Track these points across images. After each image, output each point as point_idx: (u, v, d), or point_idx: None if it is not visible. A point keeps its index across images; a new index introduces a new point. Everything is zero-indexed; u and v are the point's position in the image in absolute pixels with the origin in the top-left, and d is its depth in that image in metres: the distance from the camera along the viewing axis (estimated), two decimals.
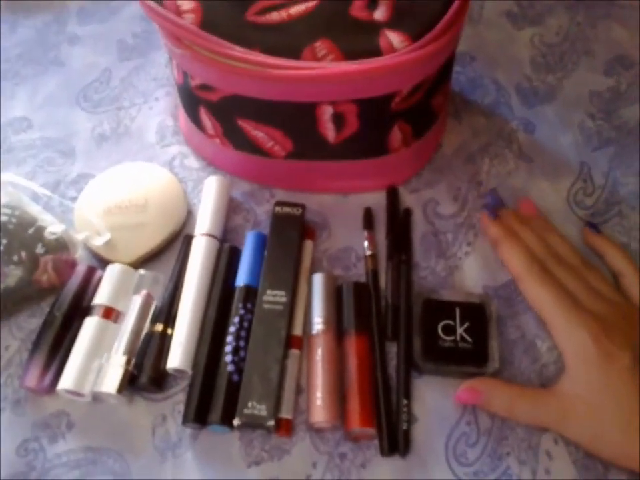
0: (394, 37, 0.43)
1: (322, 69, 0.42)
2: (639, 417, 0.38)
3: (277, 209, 0.50)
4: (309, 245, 0.50)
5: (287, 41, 0.43)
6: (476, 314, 0.45)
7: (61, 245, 0.48)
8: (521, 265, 0.44)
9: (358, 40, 0.43)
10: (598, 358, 0.39)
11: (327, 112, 0.46)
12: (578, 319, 0.41)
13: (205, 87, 0.47)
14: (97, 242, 0.49)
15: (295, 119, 0.47)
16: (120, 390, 0.43)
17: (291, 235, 0.49)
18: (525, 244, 0.46)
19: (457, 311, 0.45)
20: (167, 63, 0.62)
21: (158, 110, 0.59)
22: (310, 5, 0.44)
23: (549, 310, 0.42)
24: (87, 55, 0.63)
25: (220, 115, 0.49)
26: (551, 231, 0.48)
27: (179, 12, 0.44)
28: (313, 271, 0.49)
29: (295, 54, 0.43)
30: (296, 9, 0.44)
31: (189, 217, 0.52)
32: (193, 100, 0.50)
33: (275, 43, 0.43)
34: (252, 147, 0.50)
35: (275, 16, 0.44)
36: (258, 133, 0.49)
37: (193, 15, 0.44)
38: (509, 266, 0.46)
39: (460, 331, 0.44)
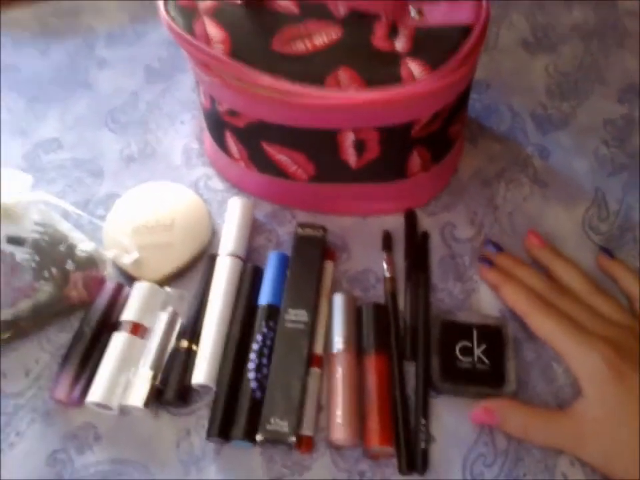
0: (414, 67, 0.44)
1: (345, 98, 0.44)
2: None
3: (299, 230, 0.52)
4: (329, 265, 0.51)
5: (311, 70, 0.45)
6: (493, 336, 0.46)
7: (90, 262, 0.50)
8: (523, 303, 0.45)
9: (380, 69, 0.45)
10: (611, 379, 0.40)
11: (348, 138, 0.47)
12: (588, 342, 0.41)
13: (231, 113, 0.49)
14: (126, 260, 0.50)
15: (318, 144, 0.49)
16: (147, 404, 0.44)
17: (312, 256, 0.51)
18: (523, 283, 0.47)
19: (475, 332, 0.46)
20: (193, 87, 0.64)
21: (183, 133, 0.61)
22: (333, 35, 0.46)
23: (557, 339, 0.43)
24: (115, 78, 0.65)
25: (245, 139, 0.51)
26: (558, 259, 0.49)
27: (208, 41, 0.46)
28: (333, 291, 0.50)
29: (318, 82, 0.44)
30: (320, 40, 0.46)
31: (213, 237, 0.54)
32: (219, 124, 0.52)
33: (299, 72, 0.45)
34: (276, 171, 0.52)
35: (299, 46, 0.46)
36: (282, 157, 0.51)
37: (222, 45, 0.46)
38: (513, 307, 0.46)
39: (477, 352, 0.45)
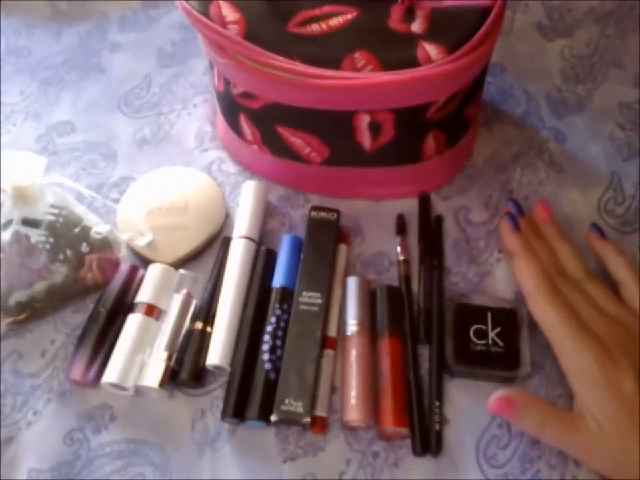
0: (431, 49, 0.44)
1: (361, 79, 0.43)
2: None
3: (313, 213, 0.52)
4: (343, 249, 0.51)
5: (327, 52, 0.44)
6: (507, 319, 0.46)
7: (105, 245, 0.50)
8: (531, 284, 0.44)
9: (396, 51, 0.44)
10: (604, 385, 0.39)
11: (364, 120, 0.47)
12: (583, 342, 0.40)
13: (246, 95, 0.49)
14: (140, 242, 0.50)
15: (333, 127, 0.48)
16: (161, 384, 0.44)
17: (326, 239, 0.51)
18: (537, 260, 0.45)
19: (489, 315, 0.46)
20: (206, 70, 0.63)
21: (196, 116, 0.61)
22: (349, 17, 0.46)
23: (555, 332, 0.42)
24: (128, 62, 0.65)
25: (260, 122, 0.51)
26: (562, 240, 0.48)
27: (223, 23, 0.46)
28: (346, 274, 0.50)
29: (334, 64, 0.44)
30: (335, 21, 0.46)
31: (226, 220, 0.54)
32: (233, 107, 0.52)
33: (315, 54, 0.44)
34: (289, 154, 0.52)
35: (315, 27, 0.46)
36: (296, 140, 0.50)
37: (237, 25, 0.45)
38: (520, 281, 0.45)
39: (492, 335, 0.45)
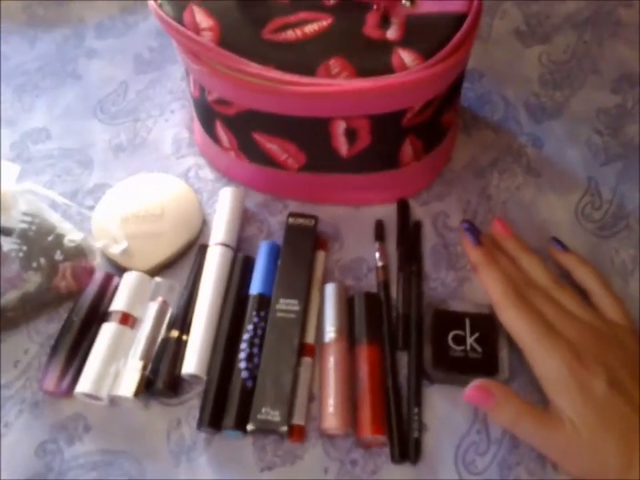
0: (406, 56, 0.44)
1: (336, 86, 0.43)
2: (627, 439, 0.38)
3: (291, 219, 0.51)
4: (321, 255, 0.51)
5: (302, 59, 0.44)
6: (486, 324, 0.46)
7: (79, 252, 0.49)
8: (498, 293, 0.44)
9: (371, 58, 0.44)
10: (575, 388, 0.39)
11: (340, 127, 0.47)
12: (552, 346, 0.40)
13: (221, 102, 0.48)
14: (115, 250, 0.50)
15: (309, 133, 0.48)
16: (136, 394, 0.44)
17: (304, 246, 0.50)
18: (502, 271, 0.46)
19: (467, 321, 0.46)
20: (183, 76, 0.63)
21: (173, 122, 0.60)
22: (324, 24, 0.46)
23: (524, 339, 0.42)
24: (104, 68, 0.65)
25: (235, 128, 0.50)
26: (524, 251, 0.48)
27: (197, 29, 0.45)
28: (325, 281, 0.50)
29: (309, 71, 0.44)
30: (310, 28, 0.46)
31: (203, 226, 0.53)
32: (209, 114, 0.51)
33: (290, 60, 0.44)
34: (266, 160, 0.52)
35: (290, 34, 0.45)
36: (272, 146, 0.50)
37: (210, 32, 0.45)
38: (488, 292, 0.45)
39: (470, 340, 0.45)
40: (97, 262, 0.50)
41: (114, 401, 0.45)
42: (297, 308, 0.47)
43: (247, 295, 0.49)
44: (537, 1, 0.69)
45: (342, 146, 0.49)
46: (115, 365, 0.45)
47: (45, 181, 0.56)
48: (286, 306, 0.47)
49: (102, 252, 0.51)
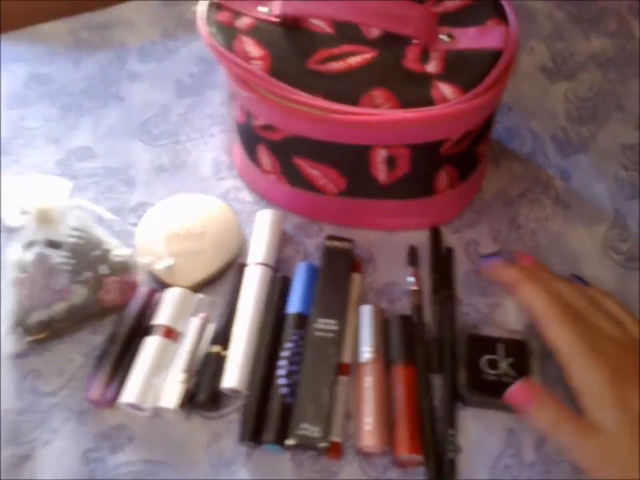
0: (446, 89, 0.46)
1: (380, 116, 0.45)
2: None
3: (328, 242, 0.53)
4: (356, 277, 0.53)
5: (347, 89, 0.46)
6: (518, 350, 0.47)
7: (124, 268, 0.51)
8: (542, 305, 0.44)
9: (412, 90, 0.46)
10: (613, 401, 0.40)
11: (380, 155, 0.49)
12: (594, 362, 0.41)
13: (267, 127, 0.50)
14: (159, 266, 0.51)
15: (350, 160, 0.50)
16: (179, 406, 0.45)
17: (341, 267, 0.52)
18: (542, 283, 0.46)
19: (500, 346, 0.48)
20: (222, 102, 0.65)
21: (213, 145, 0.62)
22: (367, 56, 0.48)
23: (567, 352, 0.42)
24: (146, 91, 0.67)
25: (279, 153, 0.53)
26: (556, 279, 0.48)
27: (247, 58, 0.48)
28: (360, 302, 0.51)
29: (354, 101, 0.46)
30: (354, 60, 0.48)
31: (242, 246, 0.55)
32: (253, 138, 0.54)
33: (335, 90, 0.46)
34: (306, 184, 0.54)
35: (334, 65, 0.48)
36: (314, 172, 0.52)
37: (261, 61, 0.47)
38: (530, 305, 0.45)
39: (503, 365, 0.47)
40: (141, 277, 0.52)
41: (157, 412, 0.46)
42: (335, 328, 0.48)
43: (285, 314, 0.50)
44: (563, 40, 0.72)
45: (381, 173, 0.51)
46: (158, 377, 0.46)
47: (89, 197, 0.58)
48: (324, 325, 0.48)
49: (146, 268, 0.52)
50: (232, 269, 0.54)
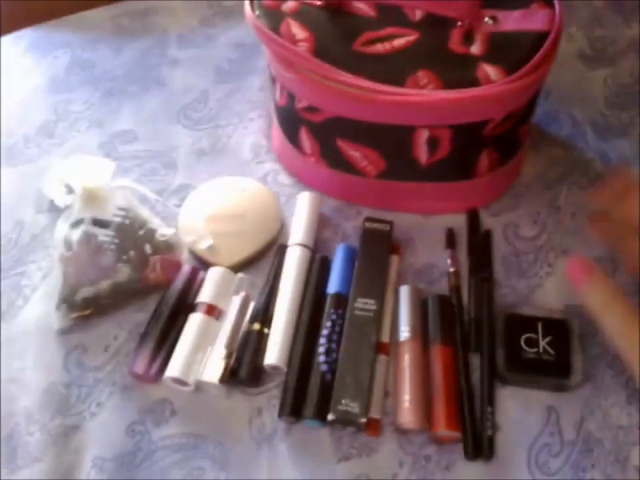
0: (490, 70, 0.46)
1: (425, 96, 0.46)
2: None
3: (367, 224, 0.54)
4: (394, 259, 0.53)
5: (392, 70, 0.47)
6: (558, 329, 0.47)
7: (168, 247, 0.52)
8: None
9: (456, 71, 0.47)
10: None
11: (423, 135, 0.49)
12: None
13: (310, 109, 0.51)
14: (201, 245, 0.52)
15: (392, 140, 0.51)
16: (221, 380, 0.46)
17: (380, 249, 0.52)
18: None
19: (539, 325, 0.48)
20: (261, 87, 0.66)
21: (252, 130, 0.63)
22: (411, 38, 0.49)
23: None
24: (186, 77, 0.68)
25: (320, 135, 0.53)
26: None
27: (293, 40, 0.48)
28: (398, 283, 0.52)
29: (399, 82, 0.46)
30: (398, 42, 0.49)
31: (282, 228, 0.56)
32: (294, 121, 0.54)
33: (380, 72, 0.47)
34: (346, 166, 0.54)
35: (379, 47, 0.48)
36: (354, 153, 0.53)
37: (306, 43, 0.48)
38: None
39: (542, 343, 0.47)
40: (184, 256, 0.53)
41: (199, 387, 0.47)
42: (374, 307, 0.49)
43: (324, 294, 0.51)
44: (602, 26, 0.71)
45: (422, 154, 0.51)
46: (201, 353, 0.47)
47: (132, 179, 0.59)
48: (363, 305, 0.49)
49: (188, 247, 0.53)
50: (271, 250, 0.54)
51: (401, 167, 0.53)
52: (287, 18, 0.49)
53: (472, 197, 0.56)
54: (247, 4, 0.50)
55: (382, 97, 0.46)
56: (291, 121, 0.55)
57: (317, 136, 0.53)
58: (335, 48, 0.48)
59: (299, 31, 0.49)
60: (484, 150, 0.51)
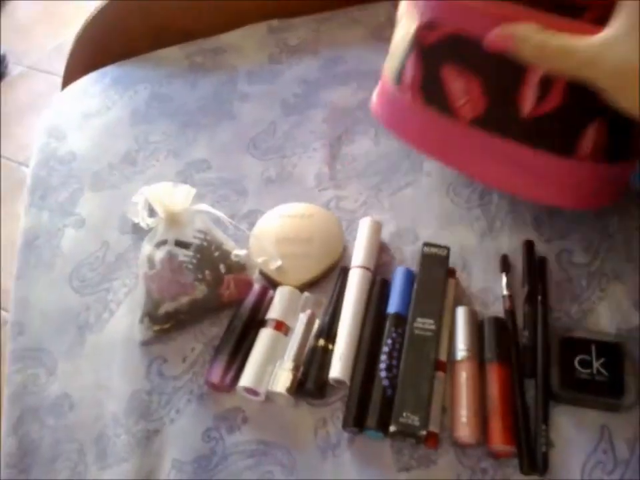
0: None
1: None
2: None
3: (425, 249, 0.57)
4: (451, 282, 0.56)
5: None
6: (612, 351, 0.49)
7: (240, 267, 0.56)
8: None
9: None
10: None
11: (536, 75, 0.46)
12: None
13: (427, 27, 0.50)
14: (271, 266, 0.57)
15: (502, 74, 0.48)
16: (289, 391, 0.50)
17: (437, 272, 0.55)
18: None
19: (593, 347, 0.50)
20: (324, 119, 0.71)
21: (315, 159, 0.68)
22: None
23: None
24: (255, 110, 0.73)
25: (427, 60, 0.51)
26: None
27: None
28: (455, 305, 0.55)
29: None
30: None
31: (344, 251, 0.59)
32: (408, 45, 0.52)
33: None
34: (442, 103, 0.51)
35: None
36: (456, 85, 0.50)
37: None
38: None
39: (596, 365, 0.49)
40: (255, 276, 0.57)
41: (269, 397, 0.51)
42: (433, 327, 0.52)
43: (384, 313, 0.54)
44: None
45: (527, 102, 0.47)
46: (271, 366, 0.51)
47: (205, 204, 0.64)
48: (422, 324, 0.52)
49: (258, 268, 0.58)
50: (335, 272, 0.58)
51: (500, 113, 0.49)
52: None
53: (567, 188, 0.51)
54: None
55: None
56: (404, 48, 0.53)
57: (424, 61, 0.51)
58: None
59: None
60: (594, 120, 0.47)
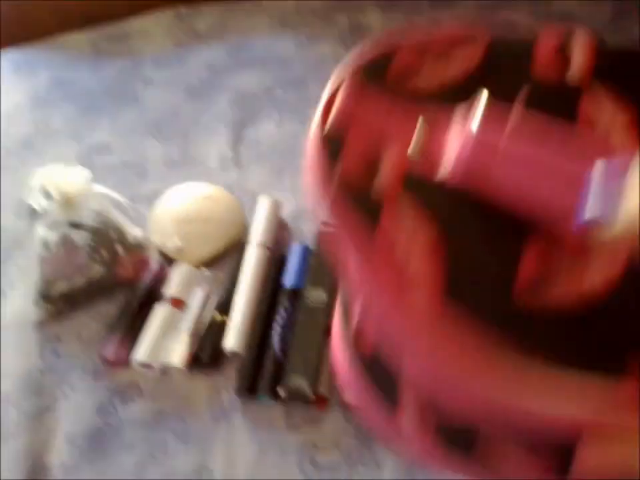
0: None
1: None
2: None
3: (323, 227, 0.59)
4: None
5: None
6: None
7: (137, 247, 0.57)
8: None
9: None
10: None
11: None
12: None
13: None
14: (169, 245, 0.58)
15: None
16: (184, 363, 0.51)
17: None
18: None
19: None
20: (229, 104, 0.72)
21: (220, 143, 0.69)
22: None
23: None
24: (160, 94, 0.74)
25: None
26: None
27: None
28: None
29: None
30: None
31: (245, 230, 0.61)
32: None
33: None
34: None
35: None
36: None
37: None
38: None
39: None
40: (152, 255, 0.58)
41: (164, 370, 0.52)
42: (324, 298, 0.54)
43: (280, 287, 0.56)
44: None
45: None
46: (166, 340, 0.52)
47: (108, 186, 0.64)
48: (316, 297, 0.54)
49: (157, 247, 0.58)
50: (234, 249, 0.60)
51: None
52: None
53: None
54: None
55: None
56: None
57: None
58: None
59: None
60: None
